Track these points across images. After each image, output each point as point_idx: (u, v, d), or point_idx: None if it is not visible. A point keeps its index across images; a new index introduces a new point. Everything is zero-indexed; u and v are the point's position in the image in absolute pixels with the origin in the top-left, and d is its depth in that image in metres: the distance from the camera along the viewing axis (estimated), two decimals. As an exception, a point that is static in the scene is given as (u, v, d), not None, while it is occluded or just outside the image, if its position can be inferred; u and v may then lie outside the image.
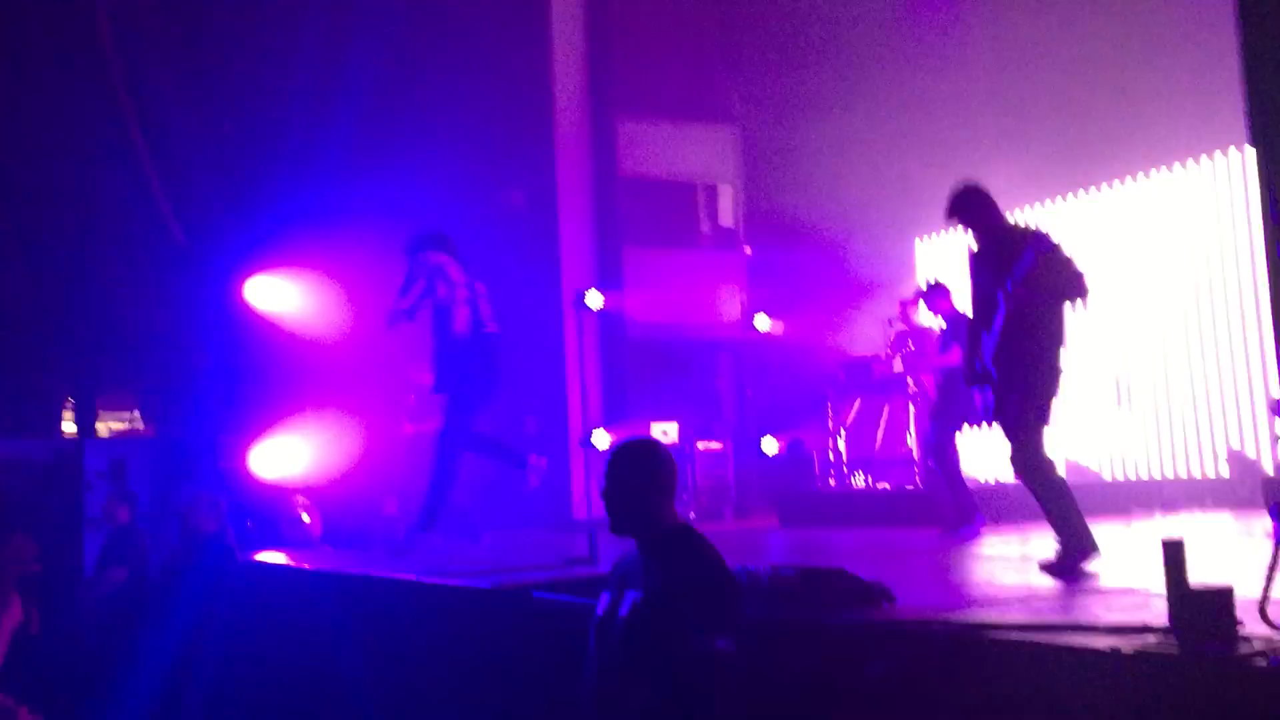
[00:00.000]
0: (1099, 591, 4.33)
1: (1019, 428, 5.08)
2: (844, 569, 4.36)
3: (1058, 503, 5.06)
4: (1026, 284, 5.06)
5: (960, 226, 5.55)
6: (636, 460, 3.52)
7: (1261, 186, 3.20)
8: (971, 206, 5.48)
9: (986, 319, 5.26)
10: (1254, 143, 2.27)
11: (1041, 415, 5.11)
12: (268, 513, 10.12)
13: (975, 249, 5.49)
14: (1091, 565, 4.98)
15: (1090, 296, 5.21)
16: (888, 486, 10.24)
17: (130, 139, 11.79)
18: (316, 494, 10.26)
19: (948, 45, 11.59)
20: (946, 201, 5.54)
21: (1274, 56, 2.51)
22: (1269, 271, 2.15)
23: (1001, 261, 5.24)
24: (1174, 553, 3.17)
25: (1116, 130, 10.44)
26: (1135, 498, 9.62)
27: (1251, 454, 9.98)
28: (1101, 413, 11.01)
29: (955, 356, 7.93)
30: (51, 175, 12.55)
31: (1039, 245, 5.09)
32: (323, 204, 11.23)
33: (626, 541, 3.59)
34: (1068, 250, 5.27)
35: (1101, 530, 5.14)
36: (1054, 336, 5.18)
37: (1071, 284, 5.14)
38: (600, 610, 3.53)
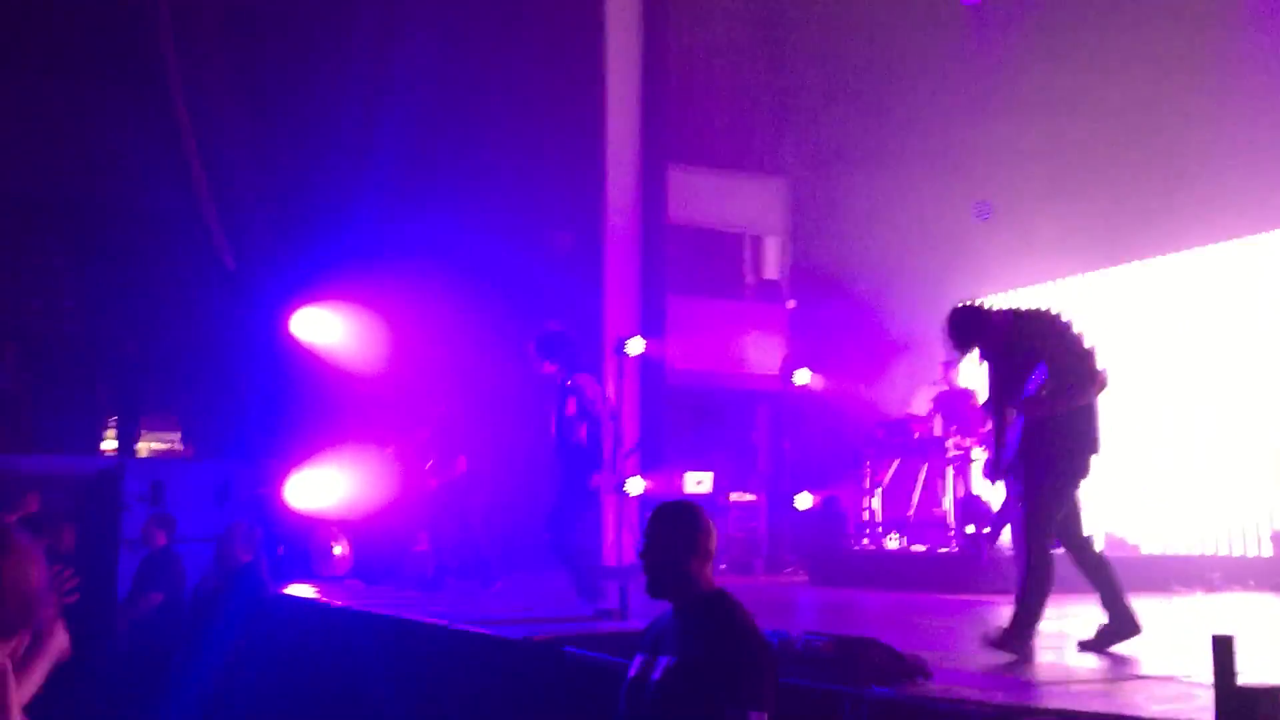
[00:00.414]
0: (1140, 678, 4.25)
1: (1030, 513, 5.11)
2: (879, 640, 4.30)
3: (1040, 583, 5.06)
4: (1035, 401, 5.11)
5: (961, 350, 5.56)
6: (677, 523, 3.49)
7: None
8: (969, 333, 5.42)
9: (1002, 414, 5.25)
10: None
11: (1056, 504, 5.13)
12: (300, 542, 10.17)
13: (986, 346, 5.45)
14: (1125, 646, 4.95)
15: (1107, 388, 5.22)
16: (923, 549, 10.14)
17: (187, 163, 12.00)
18: (349, 527, 10.31)
19: (999, 102, 11.56)
20: (947, 331, 5.52)
21: None
22: None
23: (1013, 358, 5.23)
24: (1223, 649, 3.11)
25: (1170, 198, 10.32)
26: (1176, 574, 9.45)
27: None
28: (1144, 486, 10.84)
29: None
30: (106, 194, 12.78)
31: (1040, 370, 5.12)
32: (372, 239, 11.36)
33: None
34: (1085, 342, 5.26)
35: (1142, 606, 5.07)
36: (1076, 431, 5.16)
37: (1086, 382, 5.13)
38: (633, 672, 3.50)
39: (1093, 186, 10.89)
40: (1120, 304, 11.49)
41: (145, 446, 13.63)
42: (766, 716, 3.19)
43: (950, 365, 11.22)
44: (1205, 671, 3.09)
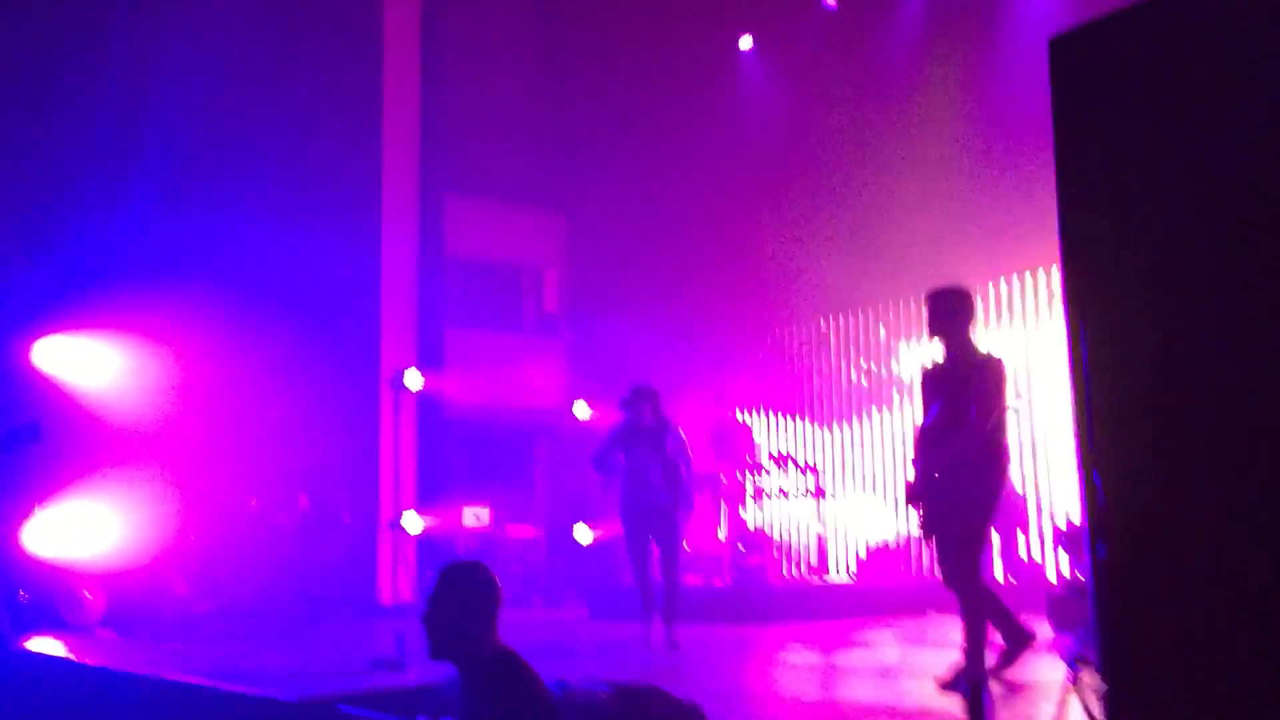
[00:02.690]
0: (902, 715, 4.47)
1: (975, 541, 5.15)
2: (659, 687, 4.36)
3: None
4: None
5: (935, 337, 5.30)
6: (458, 585, 3.43)
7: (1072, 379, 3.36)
8: (960, 312, 5.25)
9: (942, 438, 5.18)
10: (1068, 337, 2.43)
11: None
12: (43, 590, 9.45)
13: (937, 362, 5.36)
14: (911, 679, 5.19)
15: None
16: (698, 582, 10.36)
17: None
18: (101, 570, 9.66)
19: (772, 143, 12.04)
20: (935, 303, 5.30)
21: (1086, 205, 2.67)
22: (1073, 400, 2.30)
23: (960, 383, 5.13)
24: (975, 693, 3.34)
25: (943, 241, 10.94)
26: (932, 600, 9.99)
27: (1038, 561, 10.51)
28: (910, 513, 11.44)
29: None
30: None
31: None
32: (131, 262, 10.70)
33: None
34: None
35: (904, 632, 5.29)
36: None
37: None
38: None
39: (866, 228, 11.40)
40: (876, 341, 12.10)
41: None
42: None
43: (722, 399, 11.57)
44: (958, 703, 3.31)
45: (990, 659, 5.05)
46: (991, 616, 5.11)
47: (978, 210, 10.43)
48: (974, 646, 5.03)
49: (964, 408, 5.06)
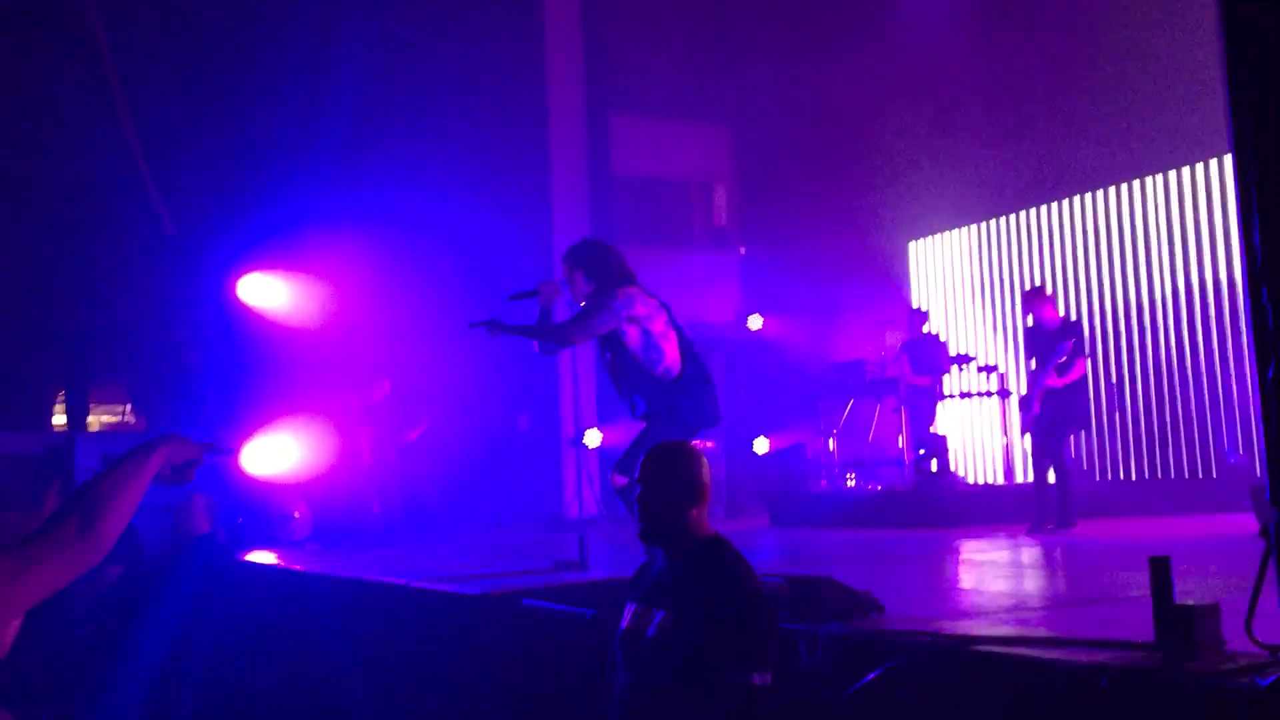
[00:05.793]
0: (1088, 602, 4.34)
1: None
2: (832, 577, 4.36)
3: None
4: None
5: None
6: (676, 466, 3.33)
7: (1239, 198, 3.18)
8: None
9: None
10: (1234, 152, 2.27)
11: None
12: (259, 510, 10.11)
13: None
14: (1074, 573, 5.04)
15: None
16: (879, 487, 10.26)
17: (122, 130, 11.75)
18: (307, 492, 10.27)
19: (943, 48, 11.61)
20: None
21: (1257, 68, 2.50)
22: (1246, 281, 2.16)
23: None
24: (1160, 569, 3.18)
25: (1104, 135, 10.49)
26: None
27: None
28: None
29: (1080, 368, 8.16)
30: (43, 166, 12.48)
31: None
32: (315, 203, 11.20)
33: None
34: None
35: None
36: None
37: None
38: (625, 623, 3.34)
39: (1029, 128, 11.02)
40: (1058, 236, 11.69)
41: (96, 420, 13.46)
42: (770, 677, 3.05)
43: (918, 314, 11.28)
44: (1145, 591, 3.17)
45: None
46: None
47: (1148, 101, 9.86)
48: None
49: None
